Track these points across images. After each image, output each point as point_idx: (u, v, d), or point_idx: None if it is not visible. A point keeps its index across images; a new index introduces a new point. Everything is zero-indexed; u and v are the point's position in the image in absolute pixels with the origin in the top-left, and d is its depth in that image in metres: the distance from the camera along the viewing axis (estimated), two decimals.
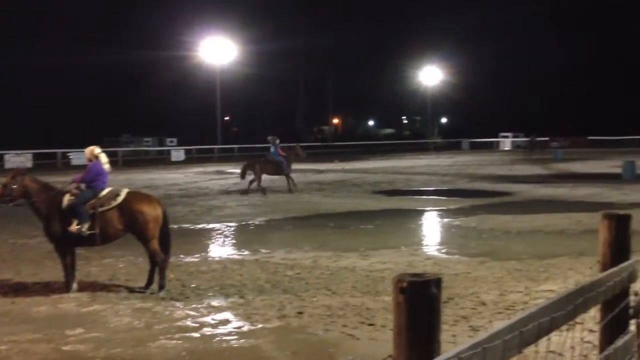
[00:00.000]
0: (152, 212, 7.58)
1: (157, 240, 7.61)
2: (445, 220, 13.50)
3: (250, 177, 19.40)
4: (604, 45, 71.95)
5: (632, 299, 2.97)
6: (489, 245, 10.30)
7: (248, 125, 72.25)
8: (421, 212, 14.75)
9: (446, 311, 6.43)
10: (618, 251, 2.86)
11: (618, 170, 23.15)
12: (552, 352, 3.91)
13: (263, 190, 18.79)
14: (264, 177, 19.61)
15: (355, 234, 11.82)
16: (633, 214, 9.32)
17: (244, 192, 19.03)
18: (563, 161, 35.45)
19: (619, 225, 2.87)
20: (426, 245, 10.56)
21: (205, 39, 50.27)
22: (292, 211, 15.16)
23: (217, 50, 49.75)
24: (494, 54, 71.61)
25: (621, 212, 3.00)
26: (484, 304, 6.69)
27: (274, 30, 61.88)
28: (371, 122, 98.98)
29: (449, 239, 11.31)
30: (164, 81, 60.68)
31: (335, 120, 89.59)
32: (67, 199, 7.53)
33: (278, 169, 19.67)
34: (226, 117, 71.36)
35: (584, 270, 7.95)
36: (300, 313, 6.51)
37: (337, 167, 32.58)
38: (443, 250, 10.08)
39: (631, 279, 2.82)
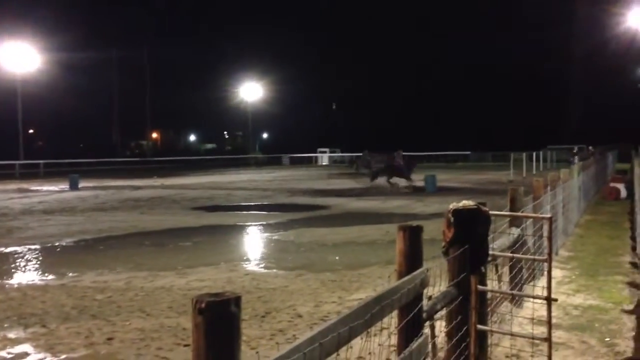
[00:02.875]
0: None
1: None
2: (265, 234, 13.69)
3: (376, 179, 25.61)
4: (405, 66, 78.76)
5: (425, 303, 3.23)
6: (306, 258, 10.62)
7: (56, 140, 67.15)
8: (241, 228, 14.79)
9: (264, 325, 6.50)
10: (412, 260, 3.10)
11: (422, 184, 25.28)
12: (361, 357, 4.14)
13: (392, 185, 24.82)
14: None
15: (173, 251, 11.51)
16: (432, 224, 10.14)
17: (392, 185, 24.86)
18: None
19: (412, 236, 3.11)
20: (245, 261, 10.60)
21: (2, 44, 45.82)
22: (105, 230, 14.36)
23: (17, 57, 45.59)
24: (309, 71, 74.81)
25: (415, 223, 3.25)
26: (300, 316, 6.86)
27: (86, 38, 58.45)
28: (192, 137, 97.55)
29: (268, 253, 11.48)
30: None
31: (155, 135, 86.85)
32: None
33: (400, 173, 25.68)
34: (30, 130, 65.64)
35: (391, 279, 8.53)
36: (110, 339, 6.15)
37: (156, 183, 31.55)
38: (262, 265, 10.19)
39: (423, 284, 3.08)
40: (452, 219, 3.78)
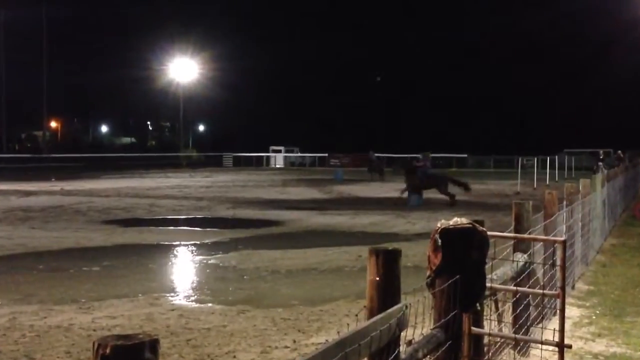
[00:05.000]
0: None
1: None
2: (198, 258, 13.61)
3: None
4: (376, 60, 79.60)
5: (403, 349, 3.25)
6: (251, 289, 10.60)
7: None
8: (167, 248, 14.68)
9: None
10: (387, 293, 3.11)
11: (405, 195, 25.48)
12: None
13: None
14: None
15: (75, 279, 11.36)
16: (416, 247, 10.20)
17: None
18: (344, 182, 38.04)
19: (388, 262, 3.12)
20: (171, 292, 10.51)
21: None
22: None
23: None
24: (260, 45, 74.78)
25: (392, 246, 3.27)
26: None
27: None
28: (104, 128, 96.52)
29: (202, 282, 11.40)
30: None
31: (54, 124, 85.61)
32: None
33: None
34: None
35: (362, 317, 8.57)
36: None
37: (54, 188, 31.10)
38: (193, 298, 10.13)
39: (401, 325, 3.09)
40: (439, 241, 3.82)
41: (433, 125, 74.89)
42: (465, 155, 64.10)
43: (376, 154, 44.83)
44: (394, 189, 28.93)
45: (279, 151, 67.29)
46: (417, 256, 11.58)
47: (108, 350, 1.68)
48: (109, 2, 76.69)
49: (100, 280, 11.21)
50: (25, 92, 71.62)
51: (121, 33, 77.40)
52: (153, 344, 1.72)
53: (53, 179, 36.99)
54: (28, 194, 27.71)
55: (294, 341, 7.67)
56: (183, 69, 68.70)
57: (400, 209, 22.81)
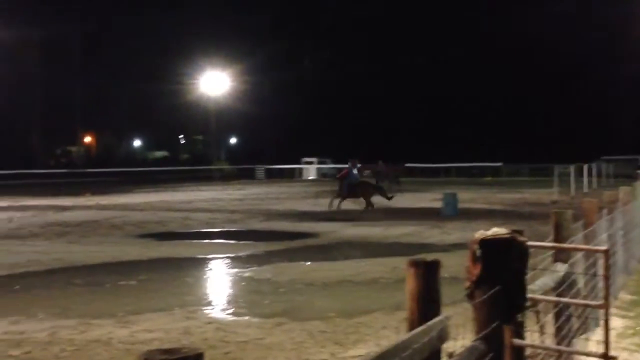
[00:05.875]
0: None
1: None
2: (233, 270, 13.69)
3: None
4: (414, 49, 79.32)
5: None
6: (287, 302, 10.62)
7: None
8: (202, 262, 14.80)
9: None
10: (427, 305, 3.10)
11: (438, 205, 25.37)
12: None
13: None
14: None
15: (112, 293, 11.49)
16: (453, 257, 10.17)
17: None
18: None
19: (427, 273, 3.12)
20: (207, 305, 10.58)
21: None
22: (22, 264, 14.28)
23: None
24: (291, 58, 74.99)
25: (431, 257, 3.26)
26: None
27: None
28: (137, 142, 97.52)
29: (237, 295, 11.48)
30: None
31: (88, 139, 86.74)
32: None
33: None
34: None
35: (400, 329, 8.53)
36: None
37: (90, 202, 31.50)
38: (229, 311, 10.19)
39: (442, 338, 3.08)
40: (478, 252, 3.79)
41: (467, 134, 74.46)
42: (500, 164, 63.56)
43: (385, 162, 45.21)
44: (429, 198, 28.85)
45: (312, 162, 67.32)
46: (454, 267, 11.44)
47: None
48: (142, 16, 77.58)
49: (137, 294, 11.33)
50: (60, 108, 72.57)
51: (152, 45, 78.15)
52: (198, 358, 1.74)
53: (88, 194, 37.47)
54: (64, 209, 28.09)
55: (332, 354, 7.66)
56: (215, 82, 69.14)
57: (435, 219, 22.72)
